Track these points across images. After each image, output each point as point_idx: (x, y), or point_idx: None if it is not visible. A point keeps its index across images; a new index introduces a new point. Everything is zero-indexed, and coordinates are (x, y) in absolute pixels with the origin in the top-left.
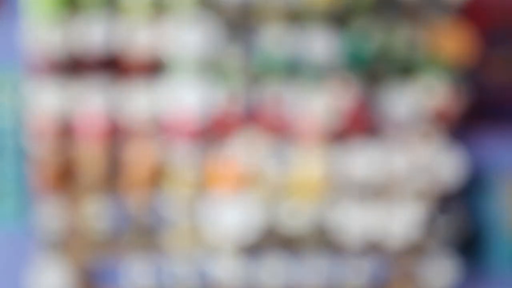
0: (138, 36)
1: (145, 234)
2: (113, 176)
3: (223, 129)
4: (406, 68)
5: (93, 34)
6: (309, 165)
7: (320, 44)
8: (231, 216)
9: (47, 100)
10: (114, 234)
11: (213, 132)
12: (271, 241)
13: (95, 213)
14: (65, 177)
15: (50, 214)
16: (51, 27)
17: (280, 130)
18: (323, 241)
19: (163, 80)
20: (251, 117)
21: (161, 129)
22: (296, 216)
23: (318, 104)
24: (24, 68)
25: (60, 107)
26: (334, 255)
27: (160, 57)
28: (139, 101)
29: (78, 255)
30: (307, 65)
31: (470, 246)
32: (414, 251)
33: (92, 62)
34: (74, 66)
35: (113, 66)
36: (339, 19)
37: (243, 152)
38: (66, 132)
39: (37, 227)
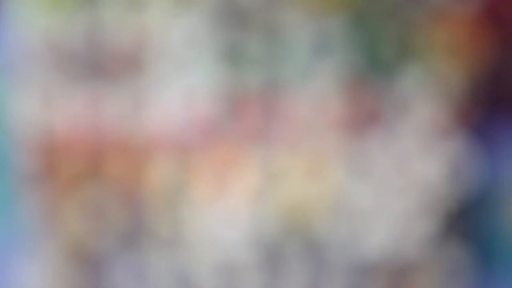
0: (120, 29)
1: (127, 240)
2: (94, 181)
3: (208, 133)
4: (423, 65)
5: (76, 28)
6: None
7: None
8: (215, 224)
9: (28, 102)
10: (95, 238)
11: (197, 137)
12: (257, 250)
13: (76, 214)
14: (46, 179)
15: (31, 215)
16: (34, 23)
17: (276, 132)
18: (325, 255)
19: (145, 79)
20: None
21: (143, 134)
22: (288, 226)
23: (333, 105)
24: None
25: (41, 111)
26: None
27: (142, 52)
28: (120, 103)
29: (59, 255)
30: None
31: (489, 260)
32: (424, 267)
33: (75, 58)
34: (57, 63)
35: (95, 62)
36: (355, 15)
37: (229, 156)
38: (47, 137)
39: (18, 228)
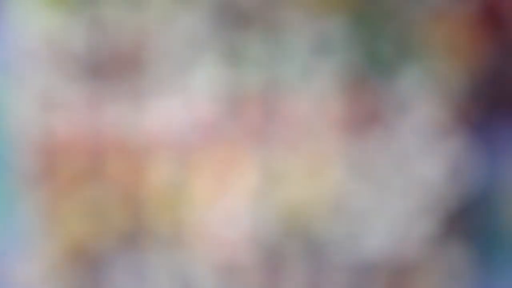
0: (120, 29)
1: (127, 240)
2: (94, 181)
3: (208, 133)
4: (423, 64)
5: (77, 28)
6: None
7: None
8: (215, 224)
9: (27, 103)
10: (95, 238)
11: (197, 137)
12: (257, 250)
13: (76, 214)
14: (46, 179)
15: (31, 215)
16: (34, 23)
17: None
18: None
19: (145, 80)
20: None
21: (143, 134)
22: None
23: (334, 105)
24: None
25: (40, 111)
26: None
27: (142, 52)
28: (120, 103)
29: (59, 255)
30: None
31: (490, 263)
32: (424, 267)
33: (75, 58)
34: (57, 63)
35: (95, 62)
36: (355, 15)
37: (229, 156)
38: (47, 137)
39: (18, 228)
